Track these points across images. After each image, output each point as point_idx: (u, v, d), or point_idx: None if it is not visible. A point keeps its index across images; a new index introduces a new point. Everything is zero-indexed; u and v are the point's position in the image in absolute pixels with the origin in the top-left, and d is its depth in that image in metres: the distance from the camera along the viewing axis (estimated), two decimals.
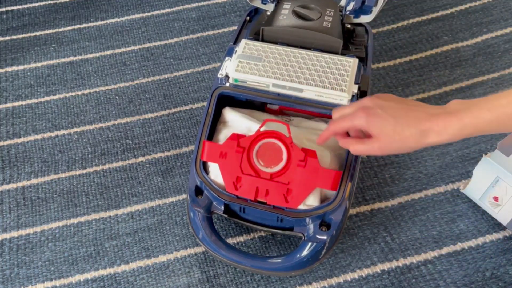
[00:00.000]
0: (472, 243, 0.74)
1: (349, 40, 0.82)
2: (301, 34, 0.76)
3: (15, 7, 1.11)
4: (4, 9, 1.10)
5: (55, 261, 0.74)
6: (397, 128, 0.56)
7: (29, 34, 1.05)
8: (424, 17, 1.05)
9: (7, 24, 1.07)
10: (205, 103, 0.92)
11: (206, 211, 0.68)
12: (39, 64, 1.00)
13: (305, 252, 0.66)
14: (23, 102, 0.93)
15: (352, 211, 0.78)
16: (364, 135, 0.61)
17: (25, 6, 1.11)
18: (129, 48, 1.02)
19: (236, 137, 0.67)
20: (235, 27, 1.05)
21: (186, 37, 1.04)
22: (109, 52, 1.01)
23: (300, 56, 0.74)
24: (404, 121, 0.56)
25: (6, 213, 0.79)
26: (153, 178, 0.83)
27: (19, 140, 0.88)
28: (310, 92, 0.71)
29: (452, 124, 0.54)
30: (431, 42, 1.01)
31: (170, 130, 0.89)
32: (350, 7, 0.78)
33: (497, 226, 0.76)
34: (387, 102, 0.58)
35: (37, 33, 1.05)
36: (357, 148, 0.60)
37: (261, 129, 0.67)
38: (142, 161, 0.85)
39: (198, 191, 0.69)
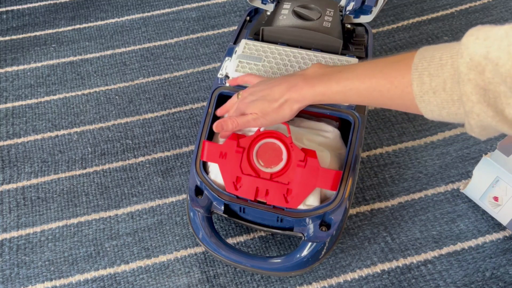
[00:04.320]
0: (472, 243, 0.74)
1: (349, 40, 0.82)
2: (301, 34, 0.76)
3: (15, 7, 1.11)
4: (4, 9, 1.10)
5: (55, 261, 0.74)
6: (266, 103, 0.64)
7: (29, 34, 1.05)
8: (424, 17, 1.05)
9: (7, 24, 1.07)
10: (205, 103, 0.92)
11: (206, 211, 0.68)
12: (39, 64, 1.00)
13: (305, 252, 0.66)
14: (23, 102, 0.93)
15: (352, 211, 0.78)
16: None
17: (25, 6, 1.11)
18: (129, 48, 1.02)
19: (236, 137, 0.67)
20: (235, 27, 1.05)
21: (186, 37, 1.04)
22: (109, 52, 1.01)
23: (300, 56, 0.74)
24: (271, 97, 0.64)
25: (6, 213, 0.79)
26: (153, 178, 0.83)
27: (19, 140, 0.88)
28: None
29: (305, 90, 0.61)
30: (431, 42, 1.01)
31: (170, 130, 0.89)
32: (350, 7, 0.78)
33: (497, 226, 0.76)
34: (256, 86, 0.67)
35: (37, 33, 1.05)
36: (237, 121, 0.66)
37: (261, 129, 0.67)
38: (142, 161, 0.85)
39: (198, 191, 0.69)
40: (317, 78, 0.61)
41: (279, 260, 0.68)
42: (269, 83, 0.65)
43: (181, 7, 1.10)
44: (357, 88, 0.57)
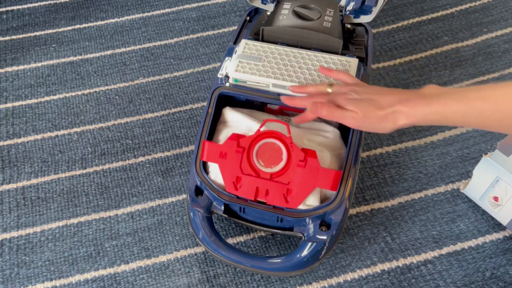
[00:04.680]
0: (472, 243, 0.74)
1: (349, 40, 0.82)
2: (301, 34, 0.76)
3: (15, 7, 1.11)
4: (4, 9, 1.10)
5: (55, 261, 0.74)
6: (371, 107, 0.59)
7: (29, 34, 1.05)
8: (424, 17, 1.05)
9: (7, 24, 1.07)
10: (205, 103, 0.92)
11: (206, 211, 0.68)
12: (39, 64, 1.00)
13: (305, 252, 0.66)
14: (23, 102, 0.93)
15: (352, 211, 0.78)
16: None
17: (25, 6, 1.11)
18: (129, 48, 1.02)
19: (236, 137, 0.67)
20: (235, 27, 1.05)
21: (186, 37, 1.04)
22: (109, 52, 1.01)
23: (300, 56, 0.74)
24: (379, 103, 0.59)
25: (6, 213, 0.79)
26: (153, 178, 0.83)
27: (19, 140, 0.88)
28: None
29: (419, 107, 0.57)
30: (431, 42, 1.01)
31: (170, 130, 0.89)
32: (350, 7, 0.78)
33: (497, 226, 0.76)
34: (362, 87, 0.63)
35: (37, 33, 1.05)
36: (334, 111, 0.62)
37: (261, 129, 0.67)
38: (142, 161, 0.85)
39: (198, 191, 0.69)
40: (434, 96, 0.57)
41: (279, 260, 0.68)
42: (379, 89, 0.62)
43: (181, 7, 1.10)
44: (480, 109, 0.53)
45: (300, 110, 0.74)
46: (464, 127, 0.63)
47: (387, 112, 0.58)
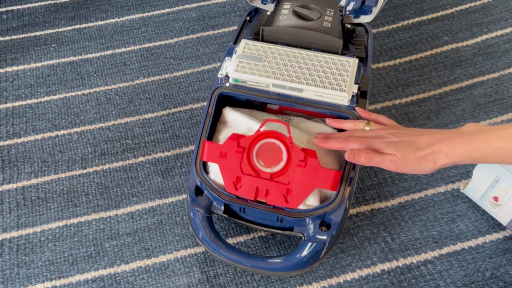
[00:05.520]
0: (472, 243, 0.74)
1: (349, 40, 0.82)
2: (301, 34, 0.76)
3: (15, 7, 1.11)
4: (4, 9, 1.10)
5: (55, 261, 0.74)
6: (410, 149, 0.59)
7: (29, 34, 1.05)
8: (424, 17, 1.05)
9: (7, 24, 1.07)
10: (205, 103, 0.92)
11: (206, 211, 0.68)
12: (39, 64, 1.00)
13: (305, 252, 0.66)
14: (23, 102, 0.93)
15: (352, 211, 0.78)
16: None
17: (25, 6, 1.11)
18: (129, 48, 1.02)
19: (236, 137, 0.67)
20: (235, 27, 1.05)
21: (186, 37, 1.04)
22: (109, 52, 1.01)
23: (300, 56, 0.74)
24: (417, 144, 0.59)
25: (6, 213, 0.79)
26: (153, 178, 0.83)
27: (19, 140, 0.88)
28: (310, 92, 0.71)
29: (460, 145, 0.57)
30: (431, 42, 1.01)
31: (170, 130, 0.89)
32: (350, 7, 0.78)
33: (497, 226, 0.76)
34: (400, 129, 0.62)
35: (37, 33, 1.05)
36: (374, 159, 0.61)
37: (261, 129, 0.67)
38: (142, 161, 0.85)
39: (198, 191, 0.69)
40: (474, 134, 0.57)
41: (279, 260, 0.68)
42: (416, 130, 0.62)
43: (181, 7, 1.10)
44: None
45: (304, 111, 0.74)
46: (509, 164, 0.64)
47: (426, 152, 0.58)
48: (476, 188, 0.76)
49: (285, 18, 0.78)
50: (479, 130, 0.57)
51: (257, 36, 0.79)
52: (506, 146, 0.55)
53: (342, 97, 0.70)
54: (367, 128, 0.66)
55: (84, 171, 0.84)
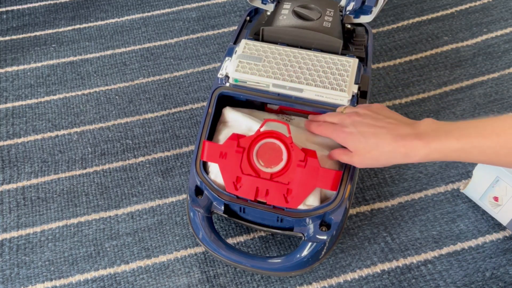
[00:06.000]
0: (472, 243, 0.74)
1: (349, 40, 0.82)
2: (301, 34, 0.76)
3: (15, 7, 1.11)
4: (4, 9, 1.10)
5: (55, 261, 0.74)
6: (367, 147, 0.60)
7: (29, 34, 1.05)
8: (424, 17, 1.05)
9: (7, 24, 1.07)
10: (205, 103, 0.92)
11: (206, 211, 0.68)
12: (39, 64, 1.00)
13: (305, 252, 0.66)
14: (23, 102, 0.93)
15: (352, 211, 0.78)
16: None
17: (25, 6, 1.11)
18: (129, 48, 1.02)
19: (236, 137, 0.67)
20: (235, 27, 1.05)
21: (186, 37, 1.04)
22: (109, 52, 1.01)
23: (300, 56, 0.74)
24: (373, 142, 0.59)
25: (6, 213, 0.79)
26: (153, 178, 0.83)
27: (19, 140, 0.88)
28: (310, 92, 0.71)
29: (418, 148, 0.56)
30: (431, 42, 1.01)
31: (170, 130, 0.89)
32: (350, 7, 0.78)
33: (497, 226, 0.76)
34: (363, 119, 0.62)
35: (37, 33, 1.05)
36: (343, 158, 0.65)
37: (261, 129, 0.67)
38: (142, 161, 0.85)
39: (198, 191, 0.69)
40: (432, 133, 0.55)
41: (279, 260, 0.68)
42: (376, 120, 0.61)
43: (181, 7, 1.10)
44: (482, 146, 0.52)
45: (304, 111, 0.74)
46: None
47: (382, 151, 0.59)
48: (476, 188, 0.76)
49: (285, 18, 0.78)
50: (436, 131, 0.56)
51: (257, 36, 0.79)
52: (464, 148, 0.53)
53: (342, 97, 0.71)
54: (344, 111, 0.67)
55: (84, 171, 0.84)
